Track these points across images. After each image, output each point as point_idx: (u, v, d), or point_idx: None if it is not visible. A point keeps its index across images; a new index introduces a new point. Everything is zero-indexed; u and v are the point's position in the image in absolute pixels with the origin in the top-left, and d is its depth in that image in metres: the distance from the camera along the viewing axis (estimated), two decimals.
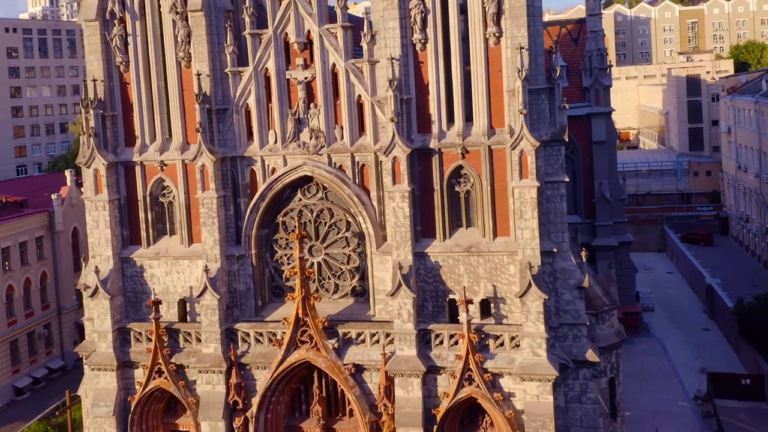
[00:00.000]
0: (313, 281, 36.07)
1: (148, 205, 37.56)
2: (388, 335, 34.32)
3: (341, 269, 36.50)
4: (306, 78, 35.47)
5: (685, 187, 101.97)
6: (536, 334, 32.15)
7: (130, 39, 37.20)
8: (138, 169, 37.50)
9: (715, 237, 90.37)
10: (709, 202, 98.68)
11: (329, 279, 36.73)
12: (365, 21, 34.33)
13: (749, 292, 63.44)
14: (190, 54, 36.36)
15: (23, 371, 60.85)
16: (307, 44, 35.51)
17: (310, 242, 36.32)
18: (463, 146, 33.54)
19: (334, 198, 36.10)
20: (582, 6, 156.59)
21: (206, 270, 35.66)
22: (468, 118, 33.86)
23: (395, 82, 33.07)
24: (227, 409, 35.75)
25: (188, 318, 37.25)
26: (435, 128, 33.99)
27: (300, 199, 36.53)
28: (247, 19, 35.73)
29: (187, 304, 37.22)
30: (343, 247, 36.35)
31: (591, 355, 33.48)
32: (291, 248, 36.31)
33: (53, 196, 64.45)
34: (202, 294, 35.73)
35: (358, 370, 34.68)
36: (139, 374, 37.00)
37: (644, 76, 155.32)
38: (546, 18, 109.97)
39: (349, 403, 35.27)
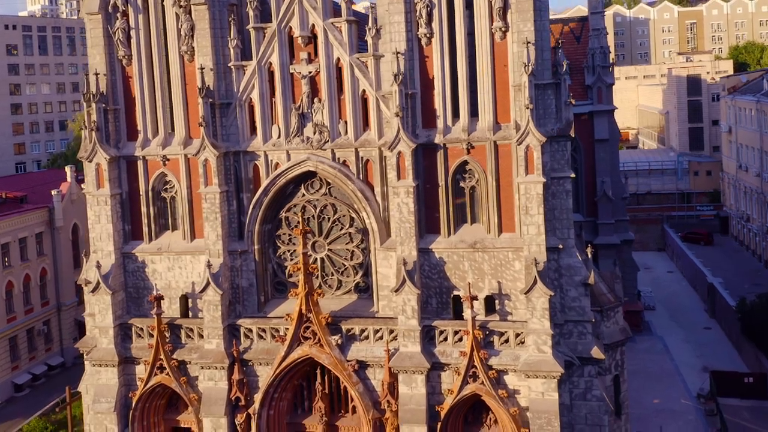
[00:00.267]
0: (317, 277, 35.83)
1: (150, 199, 37.32)
2: (391, 331, 34.11)
3: (344, 265, 36.28)
4: (310, 72, 35.24)
5: (685, 186, 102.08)
6: (541, 330, 31.94)
7: (132, 32, 36.94)
8: (140, 163, 37.26)
9: (715, 236, 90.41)
10: (709, 202, 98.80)
11: (332, 275, 36.51)
12: (370, 15, 34.10)
13: (750, 291, 63.48)
14: (193, 48, 36.11)
15: (22, 368, 60.57)
16: (312, 38, 35.26)
17: (313, 238, 36.08)
18: (468, 141, 33.32)
19: (337, 193, 35.88)
20: (581, 7, 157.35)
21: (209, 265, 35.40)
22: (473, 113, 33.64)
23: (400, 77, 32.86)
24: (229, 406, 35.51)
25: (190, 314, 37.00)
26: (440, 123, 33.77)
27: (303, 195, 36.31)
28: (251, 13, 35.49)
29: (189, 300, 36.98)
30: (347, 243, 36.13)
31: (596, 352, 33.26)
32: (294, 244, 36.10)
33: (53, 192, 64.19)
34: (204, 289, 35.48)
35: (362, 366, 34.44)
36: (141, 370, 36.75)
37: (644, 76, 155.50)
38: None
39: (352, 400, 35.04)
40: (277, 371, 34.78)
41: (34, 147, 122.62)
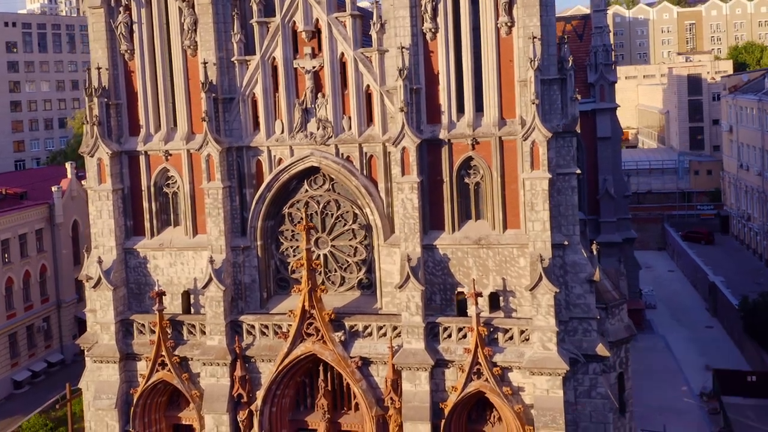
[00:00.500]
0: (320, 273, 35.61)
1: (152, 195, 37.10)
2: (395, 328, 33.91)
3: (348, 261, 36.08)
4: (314, 67, 35.03)
5: (685, 185, 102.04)
6: (546, 327, 31.75)
7: (135, 27, 36.75)
8: (142, 158, 37.05)
9: (715, 236, 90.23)
10: (709, 201, 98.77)
11: (336, 271, 36.30)
12: (375, 10, 33.90)
13: (752, 290, 63.30)
14: (196, 42, 35.90)
15: (22, 364, 60.22)
16: (315, 33, 35.07)
17: (316, 234, 35.86)
18: (473, 137, 33.13)
19: (341, 189, 35.66)
20: (581, 7, 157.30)
21: (211, 261, 35.19)
22: (478, 108, 33.45)
23: (405, 72, 32.65)
24: (231, 403, 35.31)
25: (192, 310, 36.80)
26: (445, 119, 33.57)
27: (306, 191, 36.10)
28: (254, 7, 35.28)
29: (191, 296, 36.79)
30: (350, 239, 35.93)
31: (601, 350, 33.10)
32: (297, 240, 35.91)
33: (53, 189, 63.84)
34: (206, 285, 35.27)
35: (365, 363, 34.25)
36: (142, 366, 36.54)
37: (643, 76, 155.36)
38: None
39: (355, 397, 34.85)
40: (280, 368, 34.58)
41: (34, 144, 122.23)
